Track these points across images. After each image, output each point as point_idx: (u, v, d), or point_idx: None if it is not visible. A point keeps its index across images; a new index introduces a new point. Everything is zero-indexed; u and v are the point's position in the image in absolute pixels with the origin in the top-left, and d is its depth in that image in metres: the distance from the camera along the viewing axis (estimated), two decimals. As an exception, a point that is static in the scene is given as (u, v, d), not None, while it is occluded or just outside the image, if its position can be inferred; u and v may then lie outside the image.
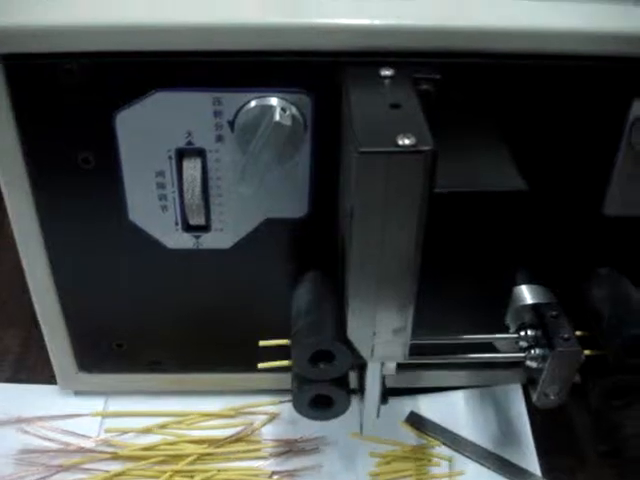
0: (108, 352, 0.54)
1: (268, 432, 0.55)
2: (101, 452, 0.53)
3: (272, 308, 0.50)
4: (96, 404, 0.57)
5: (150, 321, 0.52)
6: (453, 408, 0.58)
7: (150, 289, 0.50)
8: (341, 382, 0.46)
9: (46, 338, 0.53)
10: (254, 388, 0.57)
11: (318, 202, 0.46)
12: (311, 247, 0.48)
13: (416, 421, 0.57)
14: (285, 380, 0.53)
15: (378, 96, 0.38)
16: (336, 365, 0.44)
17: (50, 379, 0.58)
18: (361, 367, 0.46)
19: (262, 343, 0.47)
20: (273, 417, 0.55)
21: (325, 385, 0.45)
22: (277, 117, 0.41)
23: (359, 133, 0.35)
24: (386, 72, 0.40)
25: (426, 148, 0.34)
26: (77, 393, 0.57)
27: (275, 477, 0.52)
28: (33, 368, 0.61)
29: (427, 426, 0.57)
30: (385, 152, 0.34)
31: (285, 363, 0.46)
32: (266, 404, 0.57)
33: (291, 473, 0.52)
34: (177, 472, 0.52)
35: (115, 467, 0.53)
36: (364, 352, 0.41)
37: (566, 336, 0.44)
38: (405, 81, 0.39)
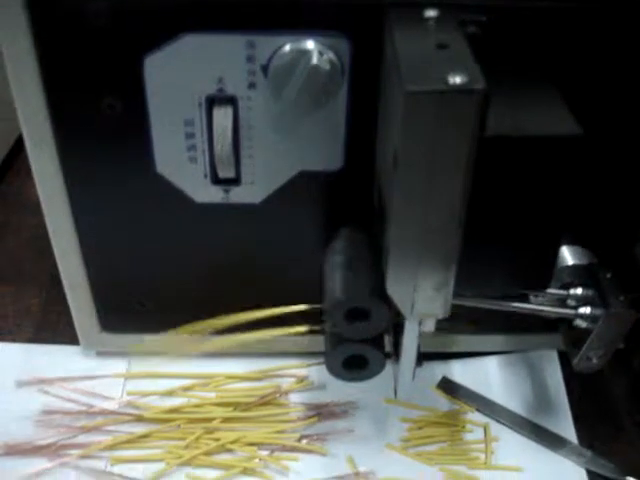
0: (131, 311, 0.52)
1: (296, 396, 0.53)
2: (124, 414, 0.51)
3: (304, 265, 0.48)
4: (119, 365, 0.55)
5: (175, 279, 0.50)
6: (486, 374, 0.56)
7: (176, 246, 0.48)
8: (377, 342, 0.44)
9: (68, 297, 0.51)
10: (282, 350, 0.55)
11: (354, 154, 0.44)
12: (346, 201, 0.46)
13: (448, 386, 0.55)
14: (313, 343, 0.52)
15: (424, 37, 0.36)
16: (372, 323, 0.42)
17: (72, 340, 0.57)
18: (396, 328, 0.43)
19: (294, 308, 0.44)
20: (301, 380, 0.53)
21: (360, 345, 0.43)
22: (314, 60, 0.39)
23: (406, 73, 0.33)
24: (430, 13, 0.38)
25: (478, 87, 0.31)
26: (99, 354, 0.56)
27: (304, 441, 0.50)
28: (55, 328, 0.59)
29: (460, 392, 0.55)
30: (435, 91, 0.32)
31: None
32: (294, 367, 0.55)
33: (320, 437, 0.51)
34: (202, 435, 0.50)
35: (138, 429, 0.52)
36: (404, 308, 0.39)
37: (621, 298, 0.42)
38: (450, 22, 0.37)
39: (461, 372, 0.56)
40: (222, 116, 0.42)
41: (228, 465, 0.49)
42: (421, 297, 0.39)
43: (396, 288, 0.38)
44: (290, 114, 0.42)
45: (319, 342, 0.52)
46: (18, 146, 0.77)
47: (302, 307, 0.44)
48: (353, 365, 0.45)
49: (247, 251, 0.49)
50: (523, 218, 0.39)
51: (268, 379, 0.55)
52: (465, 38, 0.36)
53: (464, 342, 0.56)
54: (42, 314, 0.60)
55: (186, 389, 0.53)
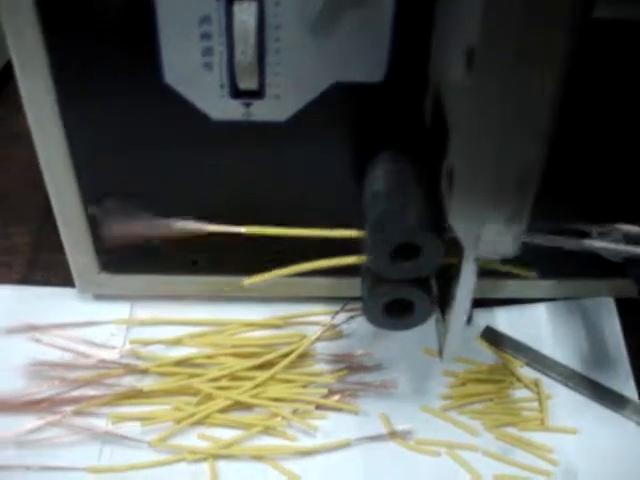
0: (135, 249, 0.45)
1: (322, 346, 0.47)
2: (126, 366, 0.44)
3: (336, 196, 0.41)
4: (120, 310, 0.48)
5: (184, 210, 0.42)
6: (535, 323, 0.50)
7: (188, 172, 0.41)
8: (424, 284, 0.36)
9: (62, 234, 0.45)
10: (305, 295, 0.48)
11: (400, 62, 0.37)
12: (388, 120, 0.39)
13: (493, 337, 0.48)
14: (340, 287, 0.46)
15: None
16: (422, 262, 0.35)
17: (67, 282, 0.50)
18: (442, 277, 0.37)
19: (328, 233, 0.37)
20: (329, 328, 0.46)
21: (405, 287, 0.36)
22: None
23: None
24: None
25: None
26: (97, 297, 0.49)
27: (333, 397, 0.43)
28: (47, 269, 0.52)
29: (506, 343, 0.48)
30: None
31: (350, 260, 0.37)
32: (320, 313, 0.48)
33: (351, 392, 0.44)
34: (216, 390, 0.43)
35: (142, 383, 0.45)
36: (468, 244, 0.32)
37: None
38: None
39: (506, 321, 0.49)
40: (244, 12, 0.35)
41: (246, 424, 0.42)
42: (489, 231, 0.31)
43: (461, 220, 0.32)
44: (326, 11, 0.34)
45: (345, 286, 0.45)
46: (4, 75, 0.69)
47: (352, 232, 0.37)
48: (394, 311, 0.38)
49: (270, 179, 0.41)
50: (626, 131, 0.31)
51: (290, 327, 0.47)
52: None
53: (509, 288, 0.49)
54: (33, 253, 0.53)
55: (197, 337, 0.46)
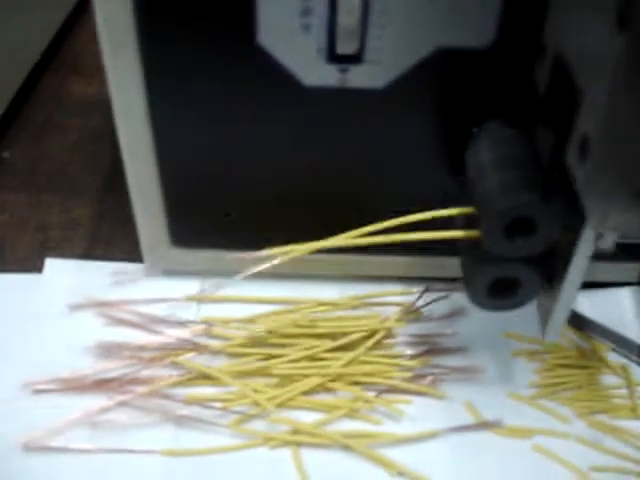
0: (210, 223, 0.43)
1: (402, 327, 0.44)
2: (198, 345, 0.42)
3: (434, 169, 0.38)
4: (189, 288, 0.46)
5: (272, 183, 0.40)
6: (619, 307, 0.47)
7: (274, 140, 0.39)
8: (534, 262, 0.34)
9: (135, 206, 0.43)
10: (380, 274, 0.46)
11: (511, 24, 0.35)
12: (494, 88, 0.36)
13: (579, 322, 0.46)
14: (417, 266, 0.45)
15: None
16: (537, 237, 0.33)
17: (130, 256, 0.48)
18: (551, 251, 0.34)
19: (427, 214, 0.35)
20: (410, 310, 0.43)
21: (514, 265, 0.34)
22: None
23: None
24: None
25: None
26: (166, 273, 0.47)
27: (418, 381, 0.41)
28: (109, 243, 0.50)
29: (593, 328, 0.45)
30: None
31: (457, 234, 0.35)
32: (397, 293, 0.45)
33: (435, 377, 0.41)
34: (295, 372, 0.41)
35: (214, 363, 0.43)
36: (592, 218, 0.30)
37: None
38: None
39: (589, 305, 0.47)
40: (351, -31, 0.32)
41: (330, 407, 0.40)
42: (619, 206, 0.29)
43: (590, 192, 0.29)
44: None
45: (422, 266, 0.43)
46: (57, 41, 0.67)
47: (452, 211, 0.34)
48: (496, 291, 0.35)
49: (364, 149, 0.39)
50: None
51: (366, 307, 0.45)
52: None
53: (593, 271, 0.47)
54: (94, 227, 0.50)
55: (271, 316, 0.43)
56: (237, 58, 0.36)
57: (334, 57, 0.36)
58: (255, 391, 0.41)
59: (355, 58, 0.36)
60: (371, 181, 0.40)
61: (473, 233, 0.34)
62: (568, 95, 0.31)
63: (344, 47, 0.35)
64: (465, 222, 0.36)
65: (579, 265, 0.33)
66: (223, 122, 0.39)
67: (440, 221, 0.36)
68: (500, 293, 0.36)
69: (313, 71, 0.36)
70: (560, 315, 0.35)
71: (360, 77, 0.37)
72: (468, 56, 0.36)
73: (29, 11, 0.61)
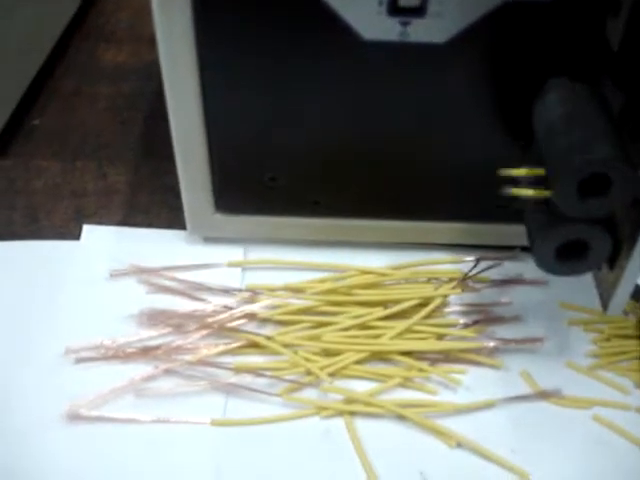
0: (257, 188, 0.42)
1: (454, 296, 0.42)
2: (245, 313, 0.40)
3: (498, 128, 0.37)
4: (233, 255, 0.44)
5: (318, 146, 0.39)
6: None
7: (327, 99, 0.37)
8: (605, 224, 0.32)
9: (180, 171, 0.41)
10: (430, 242, 0.44)
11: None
12: (562, 43, 0.35)
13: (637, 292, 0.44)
14: (471, 233, 0.44)
15: None
16: (611, 199, 0.31)
17: (169, 223, 0.46)
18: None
19: (503, 172, 0.33)
20: (463, 277, 0.42)
21: (586, 227, 0.32)
22: None
23: None
24: None
25: None
26: (208, 241, 0.45)
27: (470, 350, 0.39)
28: (147, 210, 0.48)
29: (650, 298, 0.44)
30: None
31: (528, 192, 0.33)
32: (448, 261, 0.44)
33: (491, 347, 0.39)
34: (348, 340, 0.39)
35: (262, 331, 0.42)
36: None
37: None
38: None
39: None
40: None
41: (384, 376, 0.38)
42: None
43: None
44: None
45: (474, 233, 0.41)
46: (84, 8, 0.65)
47: (520, 171, 0.33)
48: (563, 255, 0.34)
49: (422, 108, 0.37)
50: None
51: (416, 276, 0.44)
52: None
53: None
54: (131, 194, 0.49)
55: (318, 283, 0.42)
56: (296, 11, 0.34)
57: (396, 10, 0.35)
58: (307, 360, 0.39)
59: (417, 11, 0.35)
60: (428, 141, 0.39)
61: (544, 192, 0.32)
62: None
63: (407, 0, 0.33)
64: (532, 183, 0.34)
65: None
66: (276, 80, 0.37)
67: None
68: (568, 257, 0.34)
69: (373, 25, 0.35)
70: (625, 289, 0.34)
71: (422, 31, 0.35)
72: (536, 9, 0.34)
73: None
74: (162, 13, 0.34)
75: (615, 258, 0.34)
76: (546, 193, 0.32)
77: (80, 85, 0.59)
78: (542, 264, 0.34)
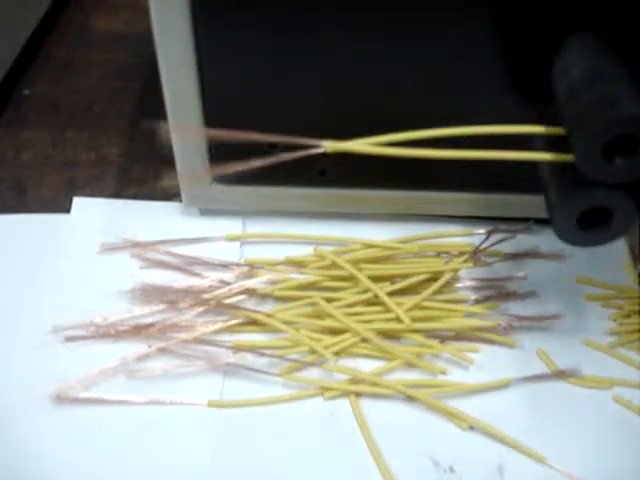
0: (255, 156, 0.38)
1: (465, 271, 0.40)
2: (244, 288, 0.38)
3: (516, 90, 0.34)
4: (231, 228, 0.42)
5: (316, 113, 0.36)
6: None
7: (328, 58, 0.34)
8: (630, 189, 0.30)
9: (175, 140, 0.39)
10: (439, 214, 0.42)
11: None
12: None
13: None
14: (482, 204, 0.42)
15: None
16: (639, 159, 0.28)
17: (162, 196, 0.43)
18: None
19: (520, 129, 0.31)
20: (474, 251, 0.39)
21: (610, 193, 0.30)
22: None
23: None
24: None
25: None
26: (204, 213, 0.43)
27: (483, 328, 0.37)
28: (141, 183, 0.46)
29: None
30: None
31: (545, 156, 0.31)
32: (458, 234, 0.41)
33: (505, 324, 0.37)
34: (354, 317, 0.37)
35: (262, 308, 0.39)
36: None
37: None
38: None
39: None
40: None
41: (391, 354, 0.36)
42: None
43: None
44: None
45: (486, 203, 0.39)
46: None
47: (539, 129, 0.30)
48: (585, 223, 0.31)
49: (436, 66, 0.35)
50: None
51: (425, 250, 0.41)
52: None
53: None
54: (124, 165, 0.46)
55: (321, 258, 0.39)
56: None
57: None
58: (311, 338, 0.36)
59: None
60: (439, 105, 0.36)
61: (565, 156, 0.30)
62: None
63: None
64: (549, 145, 0.31)
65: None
66: (274, 39, 0.35)
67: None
68: (589, 226, 0.31)
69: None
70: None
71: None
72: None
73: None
74: None
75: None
76: (566, 157, 0.29)
77: (73, 53, 0.57)
78: (562, 234, 0.32)
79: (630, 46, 0.31)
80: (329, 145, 0.31)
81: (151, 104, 0.38)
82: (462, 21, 0.34)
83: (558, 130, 0.31)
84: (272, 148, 0.38)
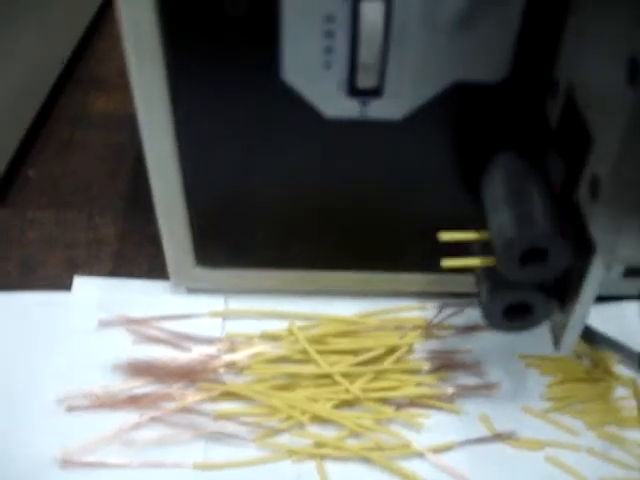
0: (233, 244, 0.46)
1: (419, 343, 0.46)
2: (224, 362, 0.44)
3: (450, 197, 0.40)
4: (214, 304, 0.48)
5: (291, 208, 0.43)
6: (628, 321, 0.49)
7: (296, 168, 0.41)
8: (545, 287, 0.36)
9: (162, 229, 0.45)
10: (398, 290, 0.47)
11: (523, 62, 0.37)
12: (508, 120, 0.38)
13: (589, 335, 0.47)
14: (435, 282, 0.47)
15: None
16: (549, 265, 0.35)
17: (152, 274, 0.50)
18: (566, 273, 0.36)
19: (444, 236, 0.37)
20: (423, 325, 0.46)
21: (527, 290, 0.36)
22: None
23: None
24: None
25: None
26: (191, 291, 0.49)
27: (436, 396, 0.43)
28: (133, 262, 0.52)
29: (603, 341, 0.47)
30: None
31: (474, 262, 0.37)
32: (414, 308, 0.47)
33: (452, 392, 0.43)
34: (321, 388, 0.43)
35: (242, 379, 0.46)
36: (603, 251, 0.31)
37: None
38: None
39: (599, 319, 0.48)
40: (372, 11, 0.35)
41: (352, 421, 0.42)
42: (628, 235, 0.31)
43: (600, 227, 0.31)
44: (458, 13, 0.33)
45: (438, 281, 0.45)
46: (74, 58, 0.69)
47: (470, 236, 0.36)
48: (511, 313, 0.37)
49: (383, 178, 0.41)
50: None
51: (383, 323, 0.47)
52: None
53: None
54: (119, 244, 0.52)
55: (292, 333, 0.46)
56: (262, 91, 0.38)
57: (354, 91, 0.38)
58: (290, 406, 0.42)
59: (375, 92, 0.38)
60: (389, 205, 0.42)
61: (489, 261, 0.36)
62: (579, 135, 0.32)
63: (364, 82, 0.37)
64: (481, 247, 0.38)
65: (590, 290, 0.35)
66: (247, 150, 0.40)
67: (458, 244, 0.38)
68: (514, 316, 0.37)
69: (334, 104, 0.38)
70: (573, 333, 0.37)
71: (379, 109, 0.38)
72: (482, 90, 0.38)
73: (46, 29, 0.63)
74: (138, 74, 0.38)
75: (565, 302, 0.38)
76: (491, 261, 0.36)
77: (72, 134, 0.62)
78: (491, 323, 0.38)
79: (550, 164, 0.37)
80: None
81: (145, 185, 0.44)
82: (406, 141, 0.40)
83: (486, 235, 0.37)
84: (249, 238, 0.44)
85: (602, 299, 0.49)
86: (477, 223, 0.39)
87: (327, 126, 0.39)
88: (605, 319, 0.48)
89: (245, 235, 0.45)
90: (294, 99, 0.38)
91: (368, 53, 0.36)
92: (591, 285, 0.35)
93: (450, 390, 0.44)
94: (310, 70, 0.37)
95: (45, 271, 0.51)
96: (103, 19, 0.75)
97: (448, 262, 0.37)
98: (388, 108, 0.38)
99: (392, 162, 0.41)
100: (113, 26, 0.69)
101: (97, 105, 0.65)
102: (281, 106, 0.39)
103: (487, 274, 0.37)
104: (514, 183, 0.37)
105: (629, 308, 0.50)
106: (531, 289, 0.36)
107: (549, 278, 0.36)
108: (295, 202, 0.43)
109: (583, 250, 0.34)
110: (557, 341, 0.38)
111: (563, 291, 0.37)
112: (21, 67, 0.58)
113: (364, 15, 0.35)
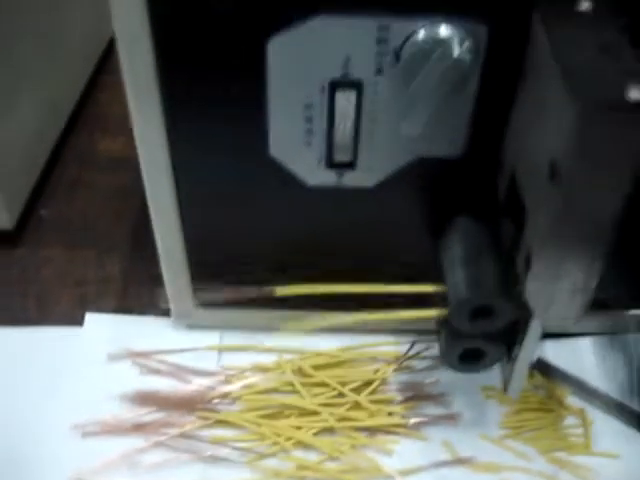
0: (227, 288, 0.51)
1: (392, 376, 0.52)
2: (220, 392, 0.51)
3: (415, 252, 0.47)
4: (211, 339, 0.55)
5: (279, 259, 0.49)
6: (579, 356, 0.55)
7: (284, 228, 0.47)
8: (495, 337, 0.42)
9: (165, 274, 0.50)
10: (376, 328, 0.55)
11: (477, 141, 0.43)
12: (464, 190, 0.44)
13: (544, 368, 0.54)
14: (405, 322, 0.50)
15: (582, 36, 0.33)
16: (495, 321, 0.41)
17: (154, 311, 0.56)
18: (512, 326, 0.43)
19: (404, 315, 0.43)
20: (399, 359, 0.52)
21: (480, 340, 0.42)
22: (456, 52, 0.36)
23: (576, 83, 0.31)
24: (586, 5, 0.35)
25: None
26: (190, 327, 0.55)
27: (405, 424, 0.50)
28: (137, 299, 0.58)
29: (556, 374, 0.54)
30: (615, 107, 0.29)
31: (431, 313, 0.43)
32: (389, 343, 0.54)
33: (419, 421, 0.50)
34: (304, 417, 0.49)
35: (236, 407, 0.52)
36: (539, 313, 0.38)
37: None
38: (609, 18, 0.34)
39: (553, 353, 0.55)
40: (345, 100, 0.41)
41: (331, 446, 0.49)
42: (559, 301, 0.37)
43: (535, 294, 0.37)
44: (419, 102, 0.40)
45: (410, 321, 0.51)
46: (85, 96, 0.75)
47: (429, 288, 0.43)
48: (467, 357, 0.44)
49: (357, 236, 0.47)
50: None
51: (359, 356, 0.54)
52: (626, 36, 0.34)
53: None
54: (124, 283, 0.58)
55: (279, 366, 0.52)
56: (253, 166, 0.44)
57: (332, 164, 0.44)
58: (276, 434, 0.49)
59: (349, 165, 0.44)
60: (363, 258, 0.49)
61: (445, 311, 0.42)
62: (518, 212, 0.39)
63: (340, 157, 0.43)
64: (440, 297, 0.44)
65: (530, 344, 0.41)
66: (242, 215, 0.47)
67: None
68: (468, 359, 0.44)
69: (315, 175, 0.44)
70: (518, 379, 0.44)
71: (354, 179, 0.45)
72: (442, 163, 0.44)
73: (55, 74, 0.69)
74: (141, 142, 0.44)
75: (511, 351, 0.44)
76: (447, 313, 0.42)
77: (80, 175, 0.68)
78: (449, 365, 0.44)
79: (502, 227, 0.43)
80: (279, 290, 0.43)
81: (146, 226, 0.49)
82: (377, 205, 0.46)
83: (444, 288, 0.43)
84: (241, 283, 0.50)
85: (558, 335, 0.56)
86: (438, 274, 0.45)
87: (309, 193, 0.45)
88: (560, 353, 0.55)
89: (238, 280, 0.51)
90: (281, 171, 0.44)
91: (342, 135, 0.42)
92: (532, 338, 0.41)
93: (418, 419, 0.50)
94: (293, 148, 0.43)
95: (59, 307, 0.57)
96: (106, 66, 0.80)
97: (407, 314, 0.43)
98: (361, 178, 0.45)
99: (365, 222, 0.47)
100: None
101: (102, 147, 0.71)
102: (269, 177, 0.45)
103: (444, 323, 0.43)
104: (469, 246, 0.43)
105: (583, 344, 0.56)
106: (483, 338, 0.42)
107: (496, 331, 0.42)
108: (282, 254, 0.49)
109: (526, 307, 0.40)
110: (505, 385, 0.45)
111: (511, 339, 0.44)
112: (34, 112, 0.64)
113: (338, 103, 0.41)
